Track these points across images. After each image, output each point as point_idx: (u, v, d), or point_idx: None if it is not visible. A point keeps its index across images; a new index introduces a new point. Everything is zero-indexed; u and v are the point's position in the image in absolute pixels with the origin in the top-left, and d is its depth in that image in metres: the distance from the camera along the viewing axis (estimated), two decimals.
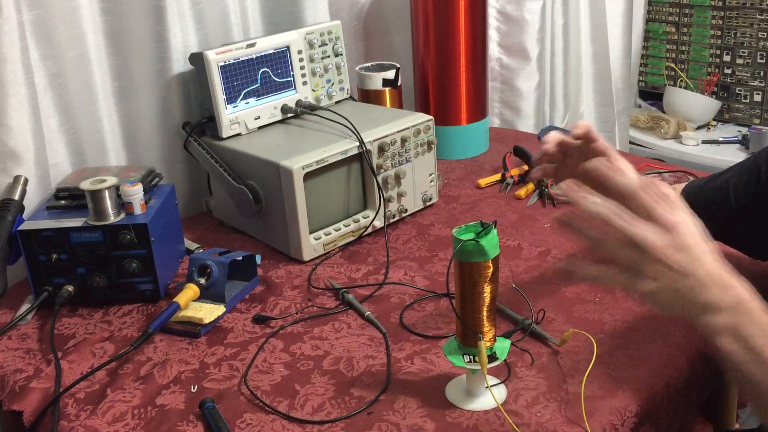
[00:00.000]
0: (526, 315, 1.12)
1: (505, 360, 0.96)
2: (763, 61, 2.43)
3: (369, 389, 1.00)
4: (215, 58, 1.41)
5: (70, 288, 1.21)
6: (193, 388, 1.03)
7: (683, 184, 1.21)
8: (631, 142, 2.55)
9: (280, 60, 1.51)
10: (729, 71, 2.53)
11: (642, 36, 2.68)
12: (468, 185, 1.64)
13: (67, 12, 1.36)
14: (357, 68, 1.70)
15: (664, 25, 2.66)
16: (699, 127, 2.55)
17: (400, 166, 1.44)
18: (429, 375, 1.02)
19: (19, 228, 1.20)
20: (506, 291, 1.19)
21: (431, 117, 1.48)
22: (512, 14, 2.15)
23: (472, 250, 0.86)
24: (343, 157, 1.35)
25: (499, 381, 0.99)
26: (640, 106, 2.75)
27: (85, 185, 1.19)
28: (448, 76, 1.76)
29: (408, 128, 1.44)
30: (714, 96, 2.56)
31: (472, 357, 0.92)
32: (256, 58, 1.48)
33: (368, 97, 1.68)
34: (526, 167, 1.64)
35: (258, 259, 1.30)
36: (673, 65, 2.67)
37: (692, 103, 2.53)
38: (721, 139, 2.44)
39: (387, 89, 1.67)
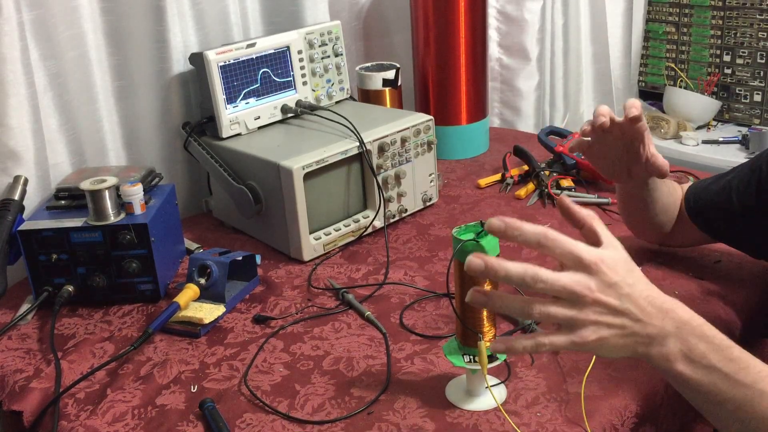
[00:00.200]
0: None
1: (505, 360, 0.96)
2: (763, 61, 2.43)
3: (369, 389, 1.00)
4: (215, 58, 1.41)
5: (70, 288, 1.21)
6: (193, 388, 1.03)
7: (685, 185, 1.21)
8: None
9: (280, 60, 1.51)
10: (729, 71, 2.53)
11: (642, 36, 2.68)
12: (468, 185, 1.64)
13: (67, 12, 1.36)
14: (357, 68, 1.70)
15: (664, 25, 2.66)
16: (699, 127, 2.55)
17: (400, 166, 1.44)
18: (429, 375, 1.02)
19: (19, 228, 1.20)
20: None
21: (431, 117, 1.48)
22: (512, 14, 2.15)
23: (472, 250, 0.86)
24: (343, 157, 1.35)
25: (499, 381, 0.99)
26: None
27: (85, 185, 1.19)
28: (448, 76, 1.76)
29: (408, 128, 1.44)
30: (714, 96, 2.56)
31: (472, 357, 0.92)
32: (256, 58, 1.48)
33: (368, 97, 1.68)
34: (526, 167, 1.64)
35: (258, 259, 1.30)
36: (673, 65, 2.67)
37: (692, 103, 2.53)
38: (721, 139, 2.44)
39: (387, 89, 1.67)
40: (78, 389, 1.03)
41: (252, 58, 1.47)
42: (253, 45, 1.46)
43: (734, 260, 1.25)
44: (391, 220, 1.46)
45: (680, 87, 2.63)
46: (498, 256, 0.88)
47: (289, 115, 1.54)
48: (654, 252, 1.28)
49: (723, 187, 1.12)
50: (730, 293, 1.17)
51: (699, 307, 0.82)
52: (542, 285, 0.71)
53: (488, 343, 0.92)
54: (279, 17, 1.67)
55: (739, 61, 2.49)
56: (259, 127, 1.50)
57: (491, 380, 0.98)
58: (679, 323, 0.73)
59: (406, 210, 1.48)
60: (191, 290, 1.17)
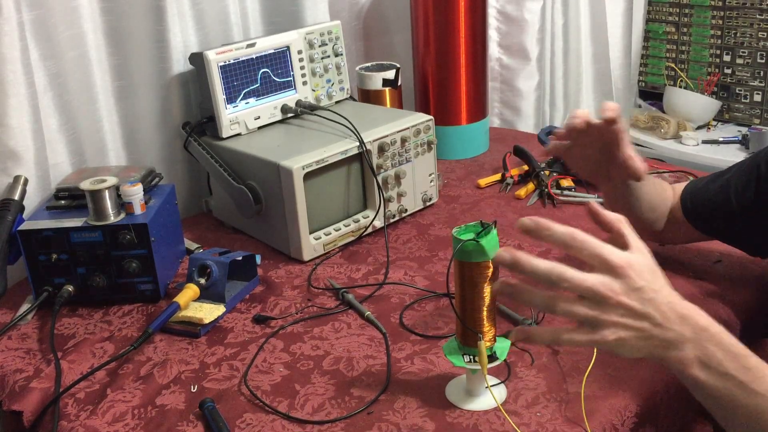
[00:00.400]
0: (526, 315, 1.12)
1: (505, 360, 0.96)
2: (763, 61, 2.43)
3: (369, 389, 1.00)
4: (215, 58, 1.41)
5: (70, 288, 1.21)
6: (193, 388, 1.03)
7: (683, 184, 1.21)
8: (631, 142, 2.54)
9: (280, 60, 1.51)
10: (729, 71, 2.53)
11: (642, 36, 2.68)
12: (468, 185, 1.64)
13: (67, 12, 1.36)
14: (357, 68, 1.70)
15: (664, 25, 2.66)
16: (699, 127, 2.55)
17: (400, 166, 1.44)
18: (429, 375, 1.02)
19: (19, 228, 1.20)
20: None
21: (431, 117, 1.48)
22: (512, 14, 2.15)
23: (472, 250, 0.86)
24: (343, 157, 1.35)
25: (499, 381, 0.99)
26: (640, 106, 2.75)
27: (85, 185, 1.19)
28: (448, 76, 1.76)
29: (408, 128, 1.44)
30: (714, 96, 2.56)
31: (472, 357, 0.92)
32: (256, 58, 1.48)
33: (368, 97, 1.68)
34: (526, 167, 1.64)
35: (258, 259, 1.30)
36: (673, 65, 2.67)
37: (692, 103, 2.53)
38: (721, 139, 2.44)
39: (387, 89, 1.67)
40: (78, 389, 1.03)
41: (252, 58, 1.47)
42: (253, 45, 1.46)
43: (734, 260, 1.25)
44: (391, 220, 1.46)
45: (680, 87, 2.63)
46: None
47: (289, 115, 1.54)
48: (653, 252, 1.27)
49: (720, 187, 1.12)
50: (729, 293, 1.17)
51: (699, 307, 0.83)
52: (567, 284, 0.73)
53: (488, 343, 0.92)
54: (279, 17, 1.67)
55: (739, 61, 2.49)
56: (259, 127, 1.50)
57: (491, 380, 0.98)
58: (698, 330, 0.74)
59: (406, 210, 1.48)
60: (191, 290, 1.17)
